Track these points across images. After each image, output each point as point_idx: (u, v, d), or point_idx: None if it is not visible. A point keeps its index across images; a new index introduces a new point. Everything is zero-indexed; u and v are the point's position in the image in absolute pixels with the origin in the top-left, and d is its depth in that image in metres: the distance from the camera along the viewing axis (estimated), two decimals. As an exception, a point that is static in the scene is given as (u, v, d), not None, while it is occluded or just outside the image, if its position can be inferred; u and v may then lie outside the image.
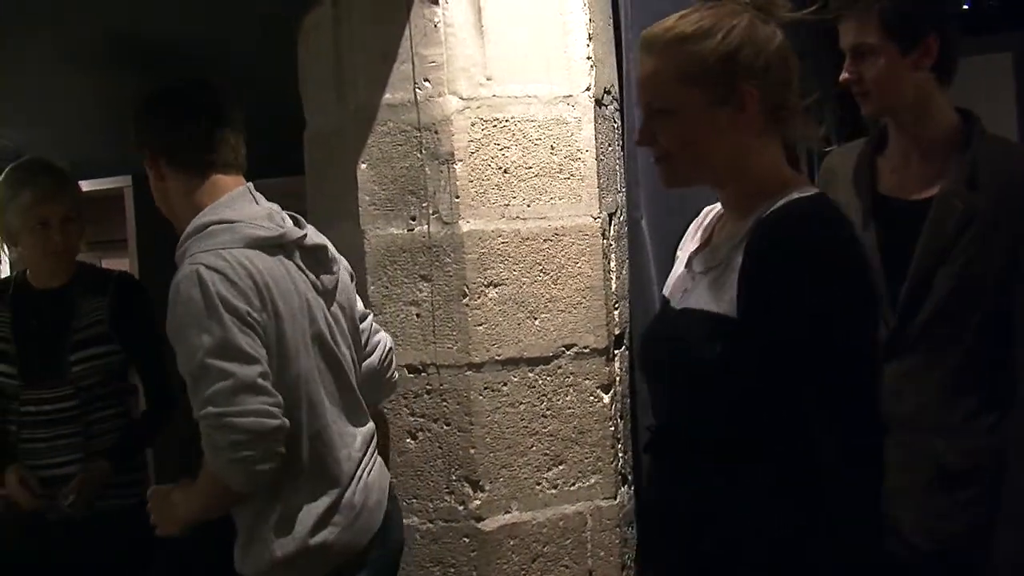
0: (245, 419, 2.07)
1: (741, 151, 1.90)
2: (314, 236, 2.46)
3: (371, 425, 2.51)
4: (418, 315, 2.83)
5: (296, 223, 2.44)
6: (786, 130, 1.94)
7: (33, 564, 3.09)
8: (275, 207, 2.42)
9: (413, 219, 2.84)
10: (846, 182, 2.61)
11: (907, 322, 2.43)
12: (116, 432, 3.21)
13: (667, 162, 1.95)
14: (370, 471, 2.44)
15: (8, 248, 3.22)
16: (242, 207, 2.33)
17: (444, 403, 2.83)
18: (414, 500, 2.87)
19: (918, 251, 2.42)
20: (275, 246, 2.30)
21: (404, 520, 2.73)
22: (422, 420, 2.85)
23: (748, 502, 1.81)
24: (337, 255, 2.54)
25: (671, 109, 1.90)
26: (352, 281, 2.60)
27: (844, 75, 2.49)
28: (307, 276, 2.36)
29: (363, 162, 2.88)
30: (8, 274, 3.58)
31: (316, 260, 2.43)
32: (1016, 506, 2.36)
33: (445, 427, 2.84)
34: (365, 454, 2.44)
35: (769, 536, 1.79)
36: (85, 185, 3.94)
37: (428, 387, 2.84)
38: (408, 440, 2.86)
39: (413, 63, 2.84)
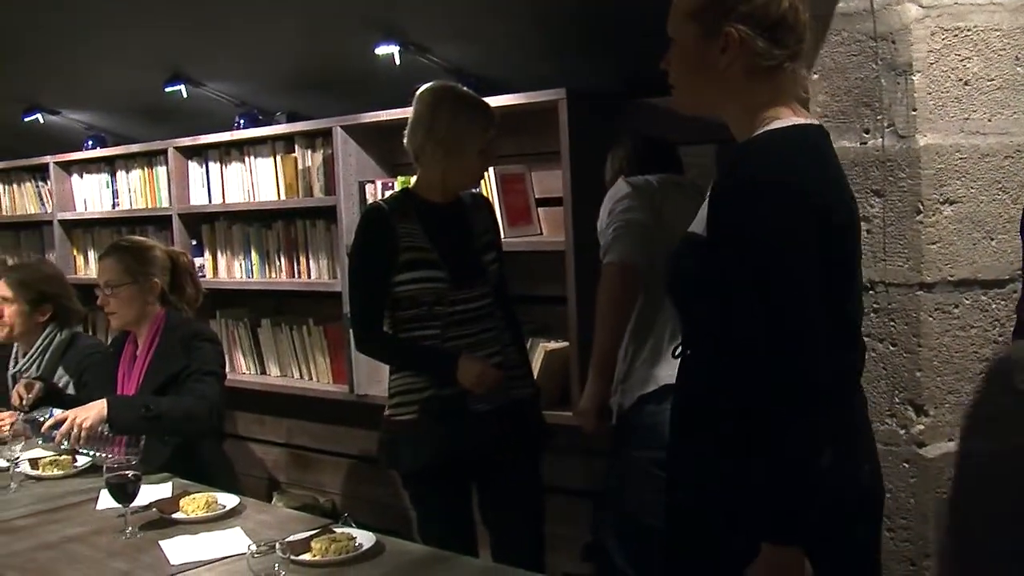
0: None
1: (729, 87, 2.15)
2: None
3: None
4: (868, 231, 2.85)
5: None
6: (773, 80, 2.14)
7: (455, 448, 3.37)
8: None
9: (867, 132, 2.86)
10: None
11: None
12: (509, 329, 3.54)
13: (673, 87, 2.24)
14: None
15: (433, 160, 3.40)
16: None
17: (891, 323, 2.86)
18: (853, 420, 2.92)
19: None
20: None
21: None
22: (867, 339, 2.87)
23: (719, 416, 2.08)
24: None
25: (676, 40, 2.20)
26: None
27: None
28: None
29: (815, 73, 2.92)
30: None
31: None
32: None
33: (891, 347, 2.87)
34: None
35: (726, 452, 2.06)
36: (519, 98, 4.17)
37: (875, 305, 2.87)
38: (851, 359, 2.90)
39: (870, -30, 2.85)
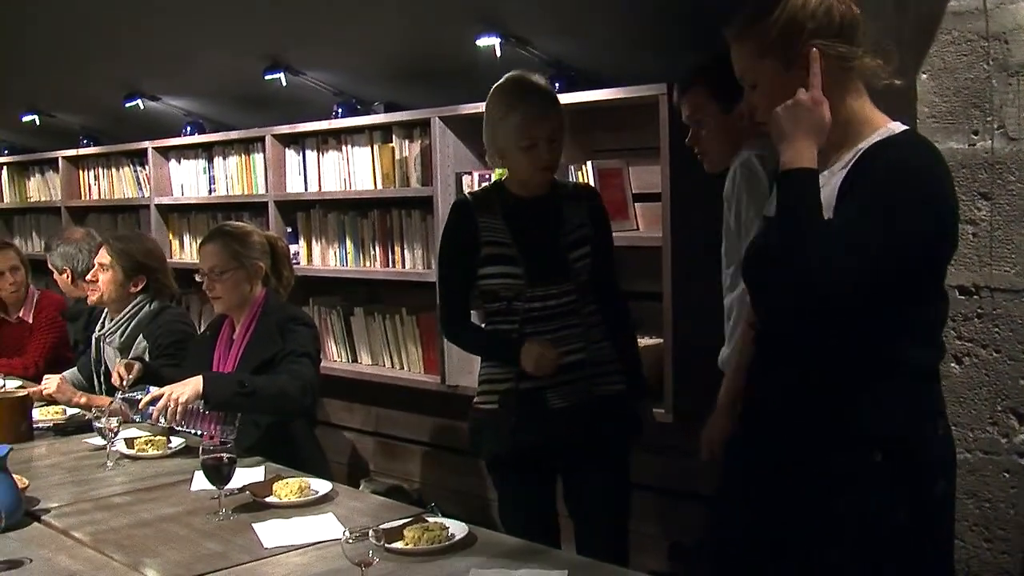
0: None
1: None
2: None
3: None
4: (974, 235, 2.83)
5: None
6: (857, 75, 2.29)
7: (530, 442, 3.40)
8: None
9: (975, 133, 2.83)
10: None
11: None
12: (602, 325, 3.51)
13: (767, 126, 2.33)
14: None
15: (495, 162, 3.49)
16: None
17: (995, 329, 2.83)
18: (953, 428, 2.88)
19: None
20: None
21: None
22: (970, 345, 2.86)
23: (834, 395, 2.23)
24: None
25: (754, 82, 2.32)
26: None
27: None
28: None
29: (923, 72, 2.89)
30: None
31: None
32: None
33: (994, 354, 2.84)
34: None
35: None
36: (619, 92, 4.17)
37: (979, 311, 2.84)
38: (953, 364, 2.88)
39: (984, -32, 2.82)
